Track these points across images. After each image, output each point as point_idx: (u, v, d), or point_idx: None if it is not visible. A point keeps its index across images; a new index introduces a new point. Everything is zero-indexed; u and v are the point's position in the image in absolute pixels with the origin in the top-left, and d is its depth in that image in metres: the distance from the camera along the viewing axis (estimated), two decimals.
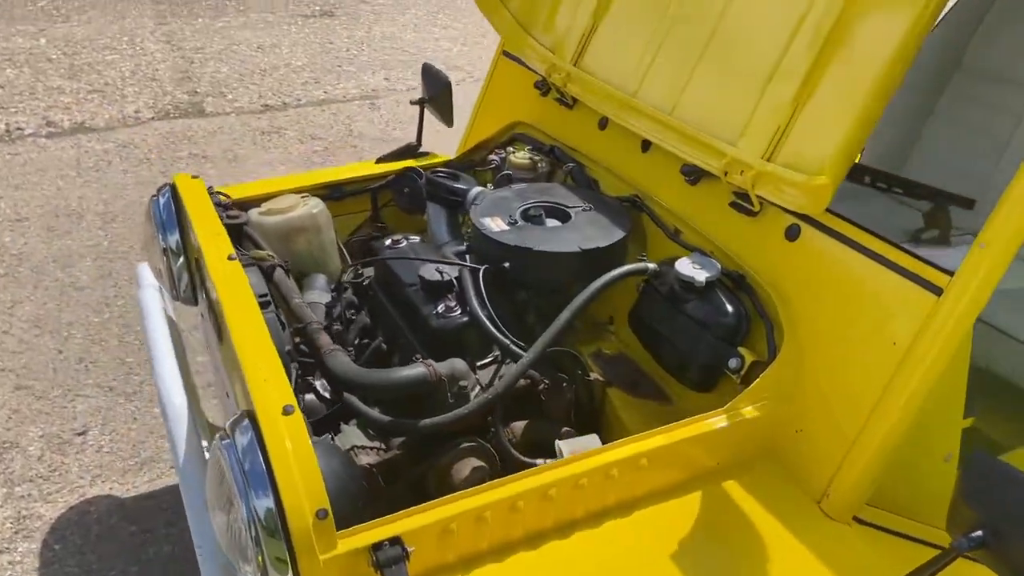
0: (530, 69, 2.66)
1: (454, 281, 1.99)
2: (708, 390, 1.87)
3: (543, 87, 2.63)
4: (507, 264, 2.02)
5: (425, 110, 3.09)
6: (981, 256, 1.46)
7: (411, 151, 3.14)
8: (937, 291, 1.51)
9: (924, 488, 1.69)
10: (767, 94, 1.85)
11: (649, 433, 1.63)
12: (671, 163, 2.12)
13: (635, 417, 1.94)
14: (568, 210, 2.19)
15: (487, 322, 1.90)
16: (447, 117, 3.03)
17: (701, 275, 1.85)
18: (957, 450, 1.69)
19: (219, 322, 1.83)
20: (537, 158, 2.50)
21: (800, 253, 1.78)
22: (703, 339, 1.85)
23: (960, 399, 1.61)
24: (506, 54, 2.89)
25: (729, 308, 1.82)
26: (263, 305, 1.85)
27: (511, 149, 2.55)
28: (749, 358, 1.79)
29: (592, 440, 1.78)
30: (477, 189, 2.35)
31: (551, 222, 2.16)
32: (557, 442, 1.78)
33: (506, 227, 2.09)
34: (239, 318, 1.69)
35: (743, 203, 1.90)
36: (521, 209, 2.18)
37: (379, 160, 3.10)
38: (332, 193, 2.71)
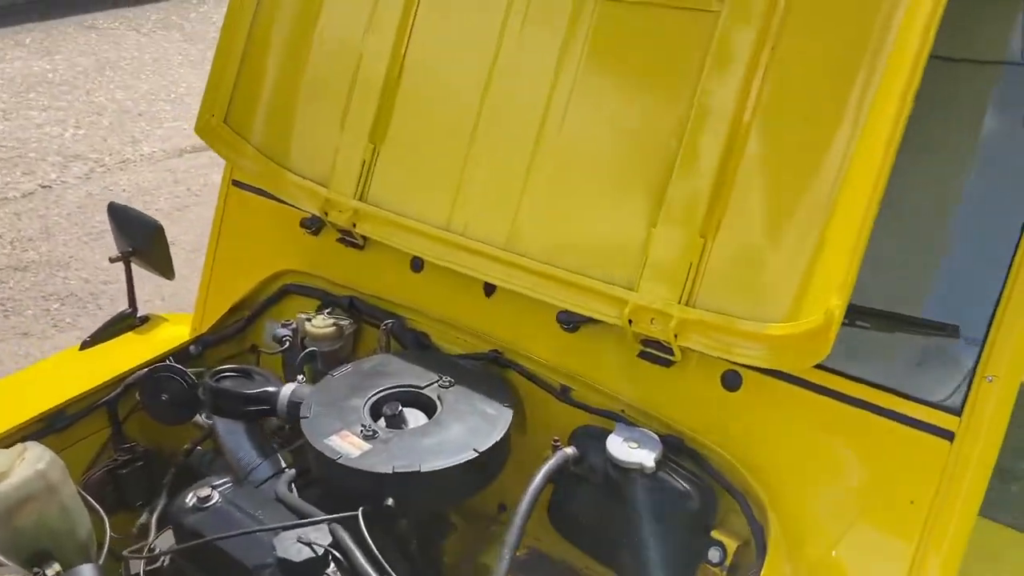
0: (291, 206, 2.12)
1: (329, 551, 1.44)
2: None
3: (314, 226, 2.10)
4: (391, 500, 1.52)
5: (132, 264, 2.41)
6: (990, 390, 1.30)
7: (126, 321, 2.44)
8: (947, 435, 1.33)
9: None
10: (661, 224, 1.55)
11: None
12: (533, 308, 1.75)
13: None
14: (423, 392, 1.73)
15: None
16: (165, 269, 2.38)
17: (648, 458, 1.51)
18: None
19: None
20: (343, 321, 1.98)
21: (749, 405, 1.52)
22: (666, 536, 1.52)
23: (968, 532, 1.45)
24: (237, 184, 2.29)
25: (689, 489, 1.51)
26: None
27: (304, 316, 2.00)
28: (731, 545, 1.49)
29: None
30: (289, 388, 1.78)
31: (411, 414, 1.68)
32: None
33: (365, 445, 1.58)
34: None
35: (657, 352, 1.60)
36: (368, 406, 1.68)
37: (85, 344, 2.35)
38: (52, 425, 1.95)
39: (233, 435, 1.81)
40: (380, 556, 1.44)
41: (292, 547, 1.43)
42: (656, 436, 1.56)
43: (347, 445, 1.58)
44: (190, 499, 1.60)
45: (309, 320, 1.97)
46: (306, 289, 2.15)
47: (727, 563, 1.49)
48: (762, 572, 1.40)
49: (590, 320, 1.67)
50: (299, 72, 2.08)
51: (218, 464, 1.97)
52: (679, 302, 1.52)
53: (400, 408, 1.66)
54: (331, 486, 1.62)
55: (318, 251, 2.13)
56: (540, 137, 1.72)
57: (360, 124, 1.98)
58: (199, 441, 1.99)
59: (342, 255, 2.08)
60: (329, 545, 1.44)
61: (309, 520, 1.49)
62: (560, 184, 1.70)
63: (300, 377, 1.83)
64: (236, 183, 2.30)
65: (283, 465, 1.79)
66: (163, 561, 1.62)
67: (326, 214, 2.02)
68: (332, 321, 1.96)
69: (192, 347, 2.17)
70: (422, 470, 1.51)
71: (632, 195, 1.60)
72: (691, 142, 1.52)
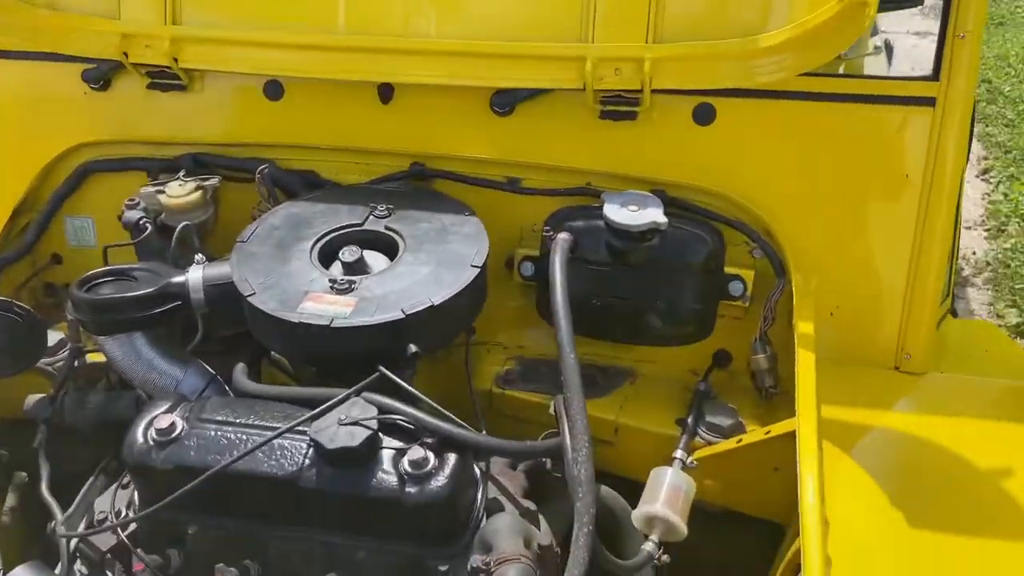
0: (59, 60, 1.59)
1: (378, 425, 1.19)
2: (706, 336, 1.52)
3: (102, 78, 1.61)
4: (413, 347, 1.28)
5: None
6: (962, 46, 1.36)
7: None
8: (930, 102, 1.39)
9: None
10: None
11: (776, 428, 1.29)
12: (451, 100, 1.52)
13: (629, 414, 1.50)
14: (366, 228, 1.45)
15: (497, 440, 1.23)
16: None
17: (658, 215, 1.41)
18: None
19: None
20: (208, 181, 1.57)
21: (727, 134, 1.46)
22: (691, 282, 1.47)
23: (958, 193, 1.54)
24: None
25: (702, 233, 1.45)
26: None
27: (151, 188, 1.54)
28: (749, 275, 1.48)
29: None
30: (198, 271, 1.38)
31: (372, 258, 1.41)
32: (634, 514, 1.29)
33: (349, 299, 1.30)
34: None
35: (620, 107, 1.46)
36: (316, 258, 1.38)
37: None
38: None
39: (134, 354, 1.40)
40: (438, 406, 1.23)
41: (340, 433, 1.16)
42: (648, 194, 1.46)
43: (329, 307, 1.28)
44: (142, 437, 1.22)
45: (162, 191, 1.54)
46: (116, 163, 1.67)
47: (748, 293, 1.49)
48: (795, 285, 1.42)
49: (534, 94, 1.48)
50: None
51: (91, 407, 1.55)
52: (647, 42, 1.38)
53: (361, 251, 1.38)
54: (320, 358, 1.33)
55: (118, 109, 1.65)
56: None
57: None
58: (60, 385, 1.53)
59: (158, 105, 1.63)
60: (379, 415, 1.19)
61: (335, 400, 1.20)
62: None
63: (199, 256, 1.44)
64: None
65: (209, 370, 1.44)
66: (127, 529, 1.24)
67: (126, 55, 1.55)
68: (194, 184, 1.55)
69: None
70: (436, 303, 1.28)
71: None
72: None
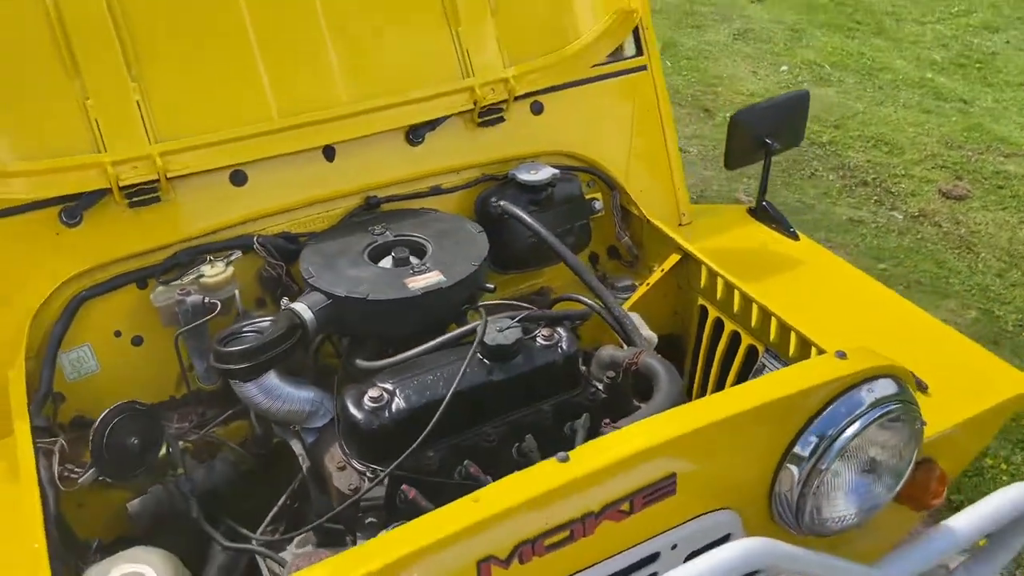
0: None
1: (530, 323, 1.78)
2: (589, 242, 2.29)
3: (77, 215, 1.78)
4: (491, 285, 1.86)
5: None
6: (650, 33, 2.36)
7: None
8: (643, 68, 2.36)
9: None
10: (464, 22, 2.08)
11: None
12: (378, 145, 2.06)
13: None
14: (384, 243, 1.93)
15: (570, 311, 1.85)
16: None
17: (552, 170, 2.15)
18: None
19: None
20: (232, 256, 1.86)
21: (552, 115, 2.25)
22: (577, 208, 2.24)
23: None
24: None
25: (569, 176, 2.23)
26: None
27: (188, 279, 1.78)
28: (598, 196, 2.31)
29: None
30: (301, 306, 1.71)
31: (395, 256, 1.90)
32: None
33: (432, 273, 1.79)
34: None
35: (492, 116, 2.16)
36: (368, 275, 1.81)
37: None
38: None
39: (274, 393, 1.68)
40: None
41: (508, 335, 1.68)
42: (533, 162, 2.19)
43: (427, 280, 1.77)
44: (362, 412, 1.58)
45: (200, 277, 1.79)
46: (107, 284, 1.83)
47: (601, 206, 2.30)
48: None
49: (439, 123, 2.10)
50: None
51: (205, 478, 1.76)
52: (504, 66, 2.13)
53: (407, 250, 1.87)
54: (433, 314, 1.80)
55: (95, 237, 1.82)
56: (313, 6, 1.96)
57: (105, 66, 1.76)
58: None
59: (136, 221, 1.84)
60: (523, 320, 1.76)
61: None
62: (362, 20, 2.00)
63: (284, 300, 1.77)
64: None
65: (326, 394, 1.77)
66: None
67: (121, 179, 1.77)
68: (223, 262, 1.83)
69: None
70: (484, 256, 1.86)
71: (424, 8, 2.06)
72: None
